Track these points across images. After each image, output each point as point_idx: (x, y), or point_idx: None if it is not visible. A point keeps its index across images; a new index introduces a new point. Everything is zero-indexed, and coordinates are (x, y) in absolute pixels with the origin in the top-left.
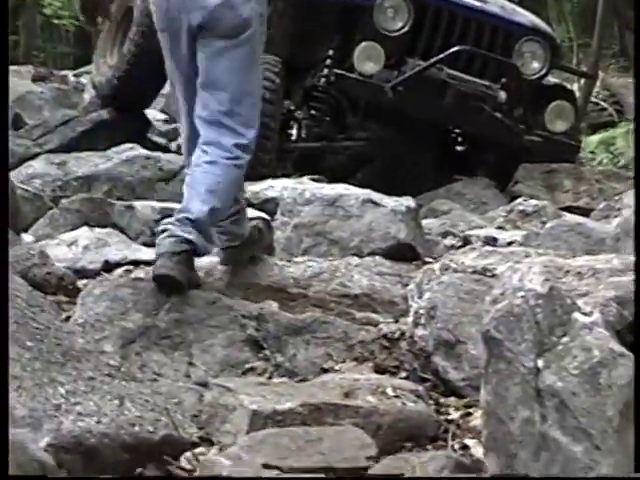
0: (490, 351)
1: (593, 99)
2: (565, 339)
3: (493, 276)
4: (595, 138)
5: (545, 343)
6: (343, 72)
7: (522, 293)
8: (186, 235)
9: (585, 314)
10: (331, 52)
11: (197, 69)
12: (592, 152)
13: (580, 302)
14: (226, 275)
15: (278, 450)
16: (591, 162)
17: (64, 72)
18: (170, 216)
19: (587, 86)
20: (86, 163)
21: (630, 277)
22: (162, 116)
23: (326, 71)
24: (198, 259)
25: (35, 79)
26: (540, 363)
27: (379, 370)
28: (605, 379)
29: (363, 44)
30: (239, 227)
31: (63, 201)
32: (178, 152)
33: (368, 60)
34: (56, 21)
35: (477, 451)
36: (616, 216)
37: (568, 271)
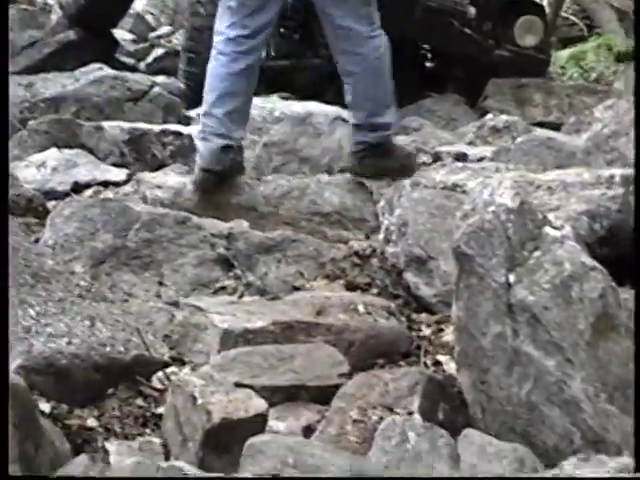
0: (461, 267)
1: (563, 14)
2: (536, 253)
3: (464, 192)
4: (565, 53)
5: (516, 258)
6: None
7: (493, 208)
8: None
9: (556, 228)
10: None
11: None
12: (562, 67)
13: (551, 216)
14: (195, 194)
15: (250, 369)
16: (561, 77)
17: None
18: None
19: (557, 0)
20: (54, 84)
21: (601, 191)
22: (130, 36)
23: None
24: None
25: None
26: (511, 278)
27: (350, 287)
28: (576, 292)
29: None
30: None
31: (31, 123)
32: (147, 72)
33: None
34: None
35: (449, 367)
36: (586, 130)
37: (539, 186)
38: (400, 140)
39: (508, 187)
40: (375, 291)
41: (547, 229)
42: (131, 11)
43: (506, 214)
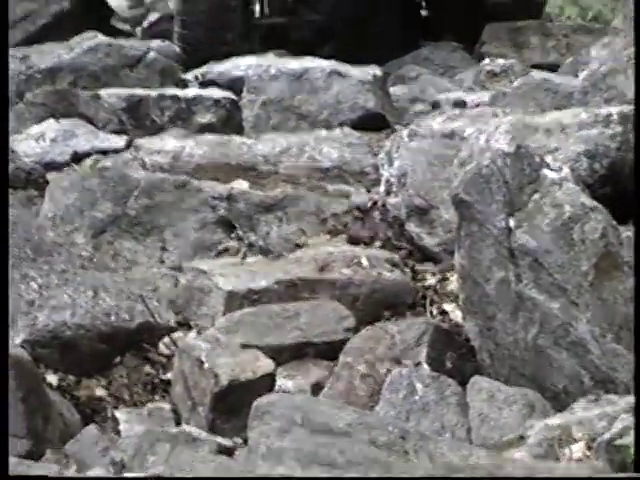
0: (461, 214)
1: None
2: (535, 197)
3: (462, 139)
4: None
5: (515, 202)
6: None
7: (489, 154)
8: None
9: (554, 170)
10: None
11: None
12: (560, 7)
13: (549, 158)
14: (194, 158)
15: (256, 329)
16: (559, 17)
17: None
18: None
19: None
20: (49, 55)
21: (599, 130)
22: (125, 2)
23: None
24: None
25: None
26: (512, 223)
27: (353, 241)
28: (578, 234)
29: None
30: None
31: (28, 95)
32: (143, 37)
33: None
34: None
35: (456, 315)
36: (583, 70)
37: (536, 128)
38: (397, 90)
39: (504, 132)
40: (378, 244)
41: (545, 171)
42: None
43: (503, 159)
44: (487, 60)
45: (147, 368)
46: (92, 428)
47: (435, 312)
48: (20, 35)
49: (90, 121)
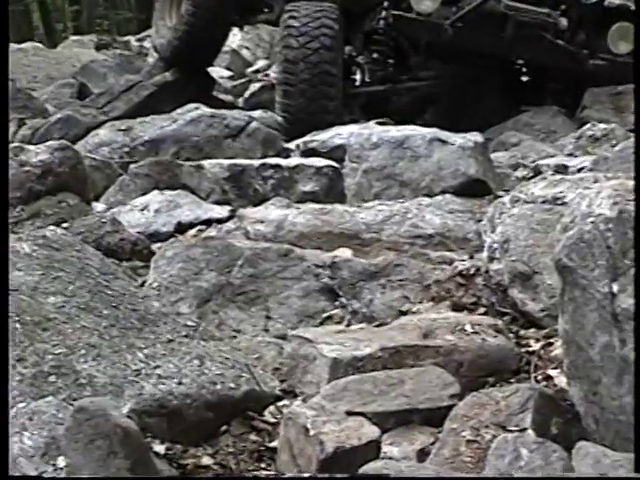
0: (564, 279)
1: None
2: None
3: (563, 204)
4: None
5: (618, 267)
6: (401, 13)
7: (591, 219)
8: None
9: None
10: None
11: None
12: None
13: None
14: (297, 226)
15: (360, 396)
16: None
17: (127, 38)
18: None
19: None
20: (152, 127)
21: None
22: (227, 73)
23: (384, 14)
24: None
25: (98, 47)
26: (615, 287)
27: (457, 308)
28: None
29: None
30: None
31: (132, 167)
32: (244, 107)
33: None
34: None
35: (560, 380)
36: None
37: None
38: (499, 156)
39: (606, 197)
40: (482, 310)
41: None
42: (227, 47)
43: (605, 224)
44: (588, 125)
45: (253, 436)
46: None
47: (539, 378)
48: (124, 106)
49: (193, 191)
